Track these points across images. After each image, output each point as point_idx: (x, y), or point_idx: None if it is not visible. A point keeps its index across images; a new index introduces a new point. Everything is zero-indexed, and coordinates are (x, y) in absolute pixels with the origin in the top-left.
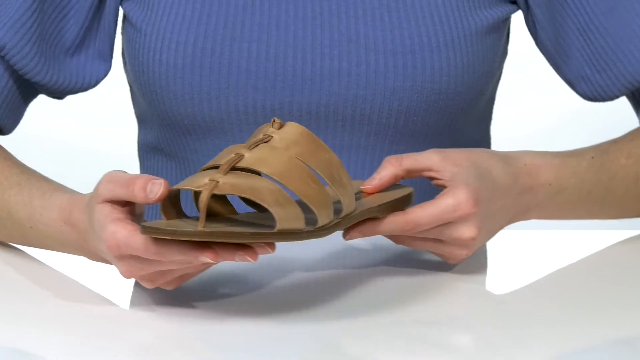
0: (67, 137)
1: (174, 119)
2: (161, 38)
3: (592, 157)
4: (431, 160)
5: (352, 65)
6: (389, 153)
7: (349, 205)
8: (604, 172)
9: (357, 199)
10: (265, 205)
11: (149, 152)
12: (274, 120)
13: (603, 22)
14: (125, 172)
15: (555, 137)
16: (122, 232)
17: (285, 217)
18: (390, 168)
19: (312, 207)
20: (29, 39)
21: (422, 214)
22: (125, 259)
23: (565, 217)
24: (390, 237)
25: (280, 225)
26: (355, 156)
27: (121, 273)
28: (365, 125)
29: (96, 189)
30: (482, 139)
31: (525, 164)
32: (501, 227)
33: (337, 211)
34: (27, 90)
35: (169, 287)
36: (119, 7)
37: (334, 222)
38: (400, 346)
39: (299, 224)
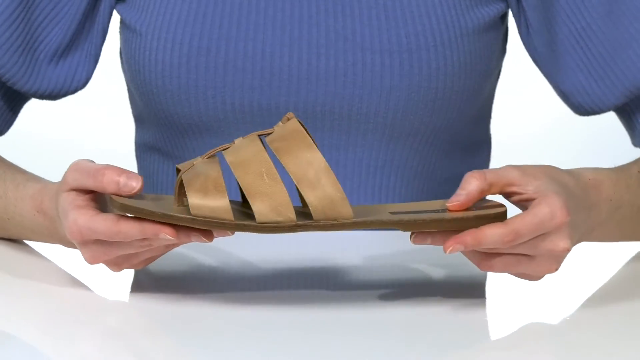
0: (64, 136)
1: (171, 118)
2: (157, 38)
3: (638, 172)
4: (512, 174)
5: (348, 64)
6: (386, 152)
7: (322, 209)
8: None
9: (439, 215)
10: (186, 190)
11: (146, 151)
12: (287, 114)
13: (601, 27)
14: (92, 161)
15: (555, 137)
16: (83, 217)
17: (204, 205)
18: (475, 182)
19: (248, 199)
20: (7, 48)
21: (522, 223)
22: (88, 245)
23: (619, 238)
24: (478, 261)
25: (195, 211)
26: (353, 155)
27: (86, 259)
28: (361, 124)
29: (64, 177)
30: (482, 138)
31: (590, 179)
32: (576, 244)
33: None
34: (17, 95)
35: (136, 268)
36: (112, 11)
37: (296, 223)
38: None
39: (223, 214)
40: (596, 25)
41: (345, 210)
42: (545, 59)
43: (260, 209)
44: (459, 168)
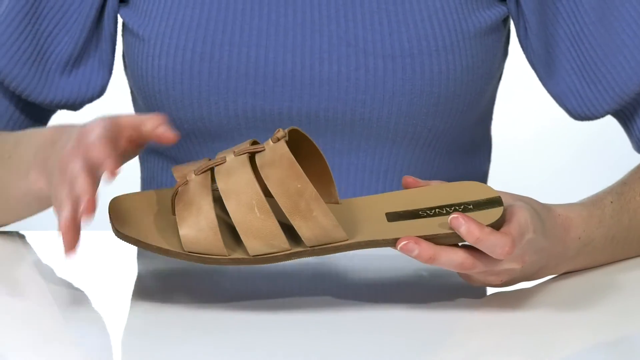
0: None
1: (174, 123)
2: (160, 43)
3: (611, 202)
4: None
5: (351, 69)
6: (389, 156)
7: (316, 239)
8: (624, 214)
9: (435, 231)
10: (177, 222)
11: (149, 153)
12: (277, 131)
13: (593, 32)
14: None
15: (555, 138)
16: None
17: (197, 242)
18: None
19: (240, 235)
20: (17, 60)
21: (514, 231)
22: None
23: (589, 266)
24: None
25: (187, 247)
26: (356, 159)
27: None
28: (365, 129)
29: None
30: (483, 140)
31: (559, 215)
32: (531, 276)
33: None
34: (41, 109)
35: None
36: (117, 15)
37: (290, 252)
38: None
39: (215, 249)
40: (588, 29)
41: (339, 236)
42: (542, 62)
43: (253, 245)
44: (459, 169)
